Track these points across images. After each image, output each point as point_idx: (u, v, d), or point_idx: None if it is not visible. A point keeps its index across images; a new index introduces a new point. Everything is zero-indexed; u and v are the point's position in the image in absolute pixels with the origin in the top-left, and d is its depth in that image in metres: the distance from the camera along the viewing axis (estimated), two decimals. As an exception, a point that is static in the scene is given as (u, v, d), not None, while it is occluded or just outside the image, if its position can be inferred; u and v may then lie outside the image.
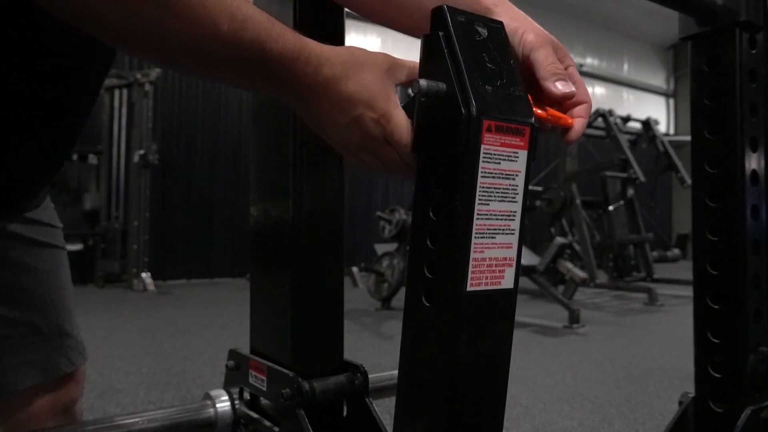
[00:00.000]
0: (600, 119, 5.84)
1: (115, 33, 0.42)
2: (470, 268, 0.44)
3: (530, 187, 5.56)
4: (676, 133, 10.90)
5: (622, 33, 10.53)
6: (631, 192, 5.82)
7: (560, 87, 0.50)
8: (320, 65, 0.46)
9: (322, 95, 0.47)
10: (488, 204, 0.44)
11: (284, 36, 0.44)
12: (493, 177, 0.44)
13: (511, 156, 0.45)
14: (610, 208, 5.66)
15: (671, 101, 11.58)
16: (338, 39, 0.74)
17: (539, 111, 0.50)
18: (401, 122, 0.47)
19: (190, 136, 6.46)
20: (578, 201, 5.26)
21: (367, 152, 0.50)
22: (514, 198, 0.46)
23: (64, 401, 0.87)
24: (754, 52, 0.79)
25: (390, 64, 0.50)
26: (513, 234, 0.46)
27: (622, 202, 5.78)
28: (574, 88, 0.51)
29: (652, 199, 7.20)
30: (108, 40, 0.44)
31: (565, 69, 0.53)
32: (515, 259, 0.47)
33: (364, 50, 0.50)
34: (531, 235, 6.65)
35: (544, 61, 0.51)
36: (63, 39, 0.58)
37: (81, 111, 0.72)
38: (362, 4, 0.67)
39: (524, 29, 0.53)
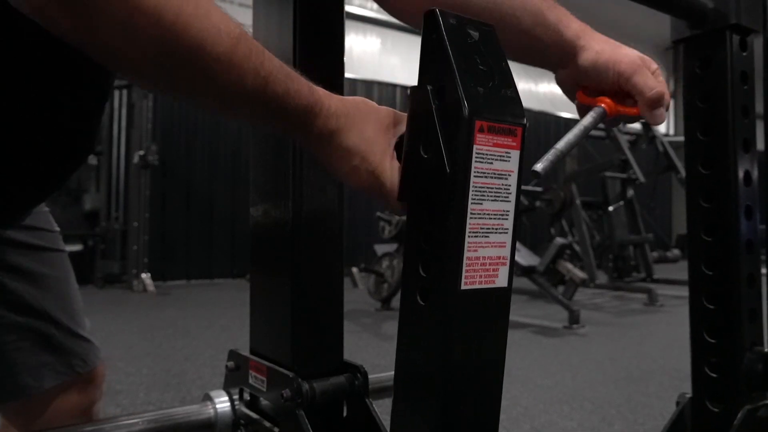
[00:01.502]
0: (600, 120, 5.82)
1: (150, 82, 0.46)
2: (464, 267, 0.44)
3: (530, 188, 5.55)
4: (676, 134, 10.89)
5: (622, 34, 10.42)
6: (630, 192, 5.82)
7: (656, 121, 0.59)
8: (328, 118, 0.50)
9: (327, 145, 0.51)
10: (481, 203, 0.45)
11: (300, 91, 0.48)
12: (486, 177, 0.45)
13: (503, 156, 0.45)
14: (610, 208, 5.66)
15: (671, 101, 11.58)
16: (338, 42, 0.75)
17: (622, 108, 0.58)
18: (392, 176, 0.51)
19: (190, 136, 6.47)
20: (578, 201, 5.25)
21: (370, 195, 0.54)
22: (507, 197, 0.46)
23: (84, 403, 0.89)
24: (744, 54, 0.80)
25: (391, 119, 0.53)
26: (506, 233, 0.47)
27: (621, 203, 5.77)
28: (664, 118, 0.59)
29: (652, 200, 7.20)
30: (142, 86, 0.48)
31: (653, 73, 0.60)
32: (509, 257, 0.47)
33: (369, 104, 0.54)
34: (531, 235, 6.65)
35: (644, 87, 0.57)
36: (56, 63, 0.60)
37: (83, 125, 0.73)
38: None
39: (614, 61, 0.59)
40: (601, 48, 0.61)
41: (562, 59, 0.63)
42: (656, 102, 0.57)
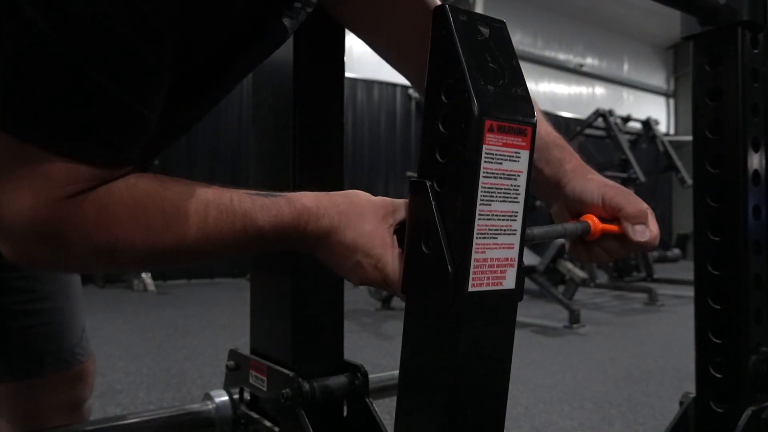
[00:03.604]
0: (600, 119, 5.84)
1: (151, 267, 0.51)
2: (472, 269, 0.44)
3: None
4: (677, 133, 10.89)
5: (622, 33, 10.53)
6: (631, 192, 5.81)
7: (637, 237, 0.58)
8: (319, 219, 0.50)
9: (325, 244, 0.51)
10: (490, 204, 0.44)
11: (280, 213, 0.49)
12: (495, 177, 0.44)
13: (512, 156, 0.44)
14: (610, 208, 5.65)
15: (671, 101, 11.58)
16: (338, 41, 0.74)
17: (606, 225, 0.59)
18: (396, 268, 0.50)
19: (190, 136, 6.45)
20: (578, 201, 5.23)
21: (375, 287, 0.54)
22: (516, 198, 0.45)
23: (73, 400, 0.91)
24: (756, 51, 0.79)
25: (387, 210, 0.53)
26: (515, 234, 0.46)
27: (622, 202, 5.76)
28: (648, 236, 0.58)
29: (652, 199, 7.18)
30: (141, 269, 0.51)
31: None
32: (517, 259, 0.46)
33: (363, 196, 0.54)
34: (531, 235, 6.63)
35: (625, 203, 0.59)
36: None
37: None
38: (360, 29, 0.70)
39: (600, 185, 0.62)
40: (592, 176, 0.65)
41: (556, 188, 0.66)
42: (638, 217, 0.58)
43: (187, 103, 0.56)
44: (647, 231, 0.58)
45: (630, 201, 0.59)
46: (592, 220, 0.60)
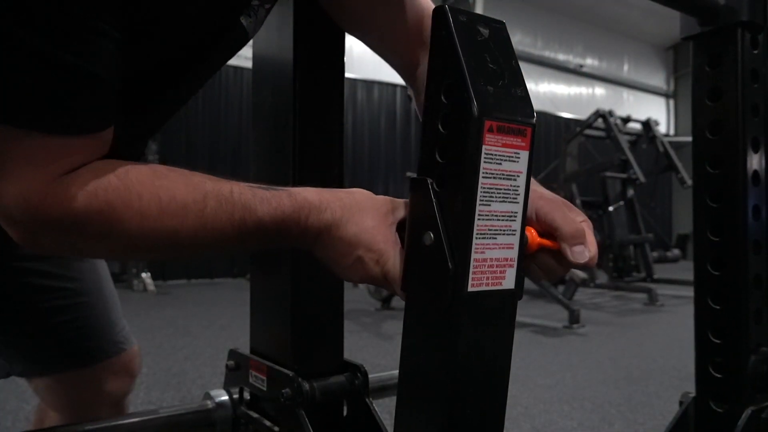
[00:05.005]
0: (600, 120, 5.84)
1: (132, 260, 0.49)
2: (471, 269, 0.44)
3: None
4: (676, 134, 10.90)
5: (622, 33, 10.53)
6: (631, 192, 5.82)
7: (576, 258, 0.52)
8: (321, 212, 0.50)
9: (325, 239, 0.51)
10: (489, 205, 0.44)
11: (281, 206, 0.49)
12: (494, 178, 0.44)
13: (512, 156, 0.44)
14: (610, 208, 5.66)
15: (671, 102, 11.58)
16: (338, 42, 0.74)
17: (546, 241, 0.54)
18: (397, 264, 0.50)
19: (190, 134, 6.46)
20: (578, 201, 5.25)
21: (376, 284, 0.53)
22: (515, 199, 0.45)
23: (118, 392, 0.93)
24: (755, 52, 0.79)
25: (389, 207, 0.52)
26: (514, 234, 0.46)
27: (622, 203, 5.77)
28: (587, 257, 0.53)
29: (652, 200, 7.19)
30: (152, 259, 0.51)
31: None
32: (516, 259, 0.46)
33: (365, 193, 0.53)
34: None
35: (562, 222, 0.53)
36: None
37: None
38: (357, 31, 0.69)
39: (536, 195, 0.56)
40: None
41: None
42: (575, 237, 0.53)
43: (152, 104, 0.56)
44: (586, 251, 0.53)
45: (567, 219, 0.54)
46: (530, 233, 0.54)
